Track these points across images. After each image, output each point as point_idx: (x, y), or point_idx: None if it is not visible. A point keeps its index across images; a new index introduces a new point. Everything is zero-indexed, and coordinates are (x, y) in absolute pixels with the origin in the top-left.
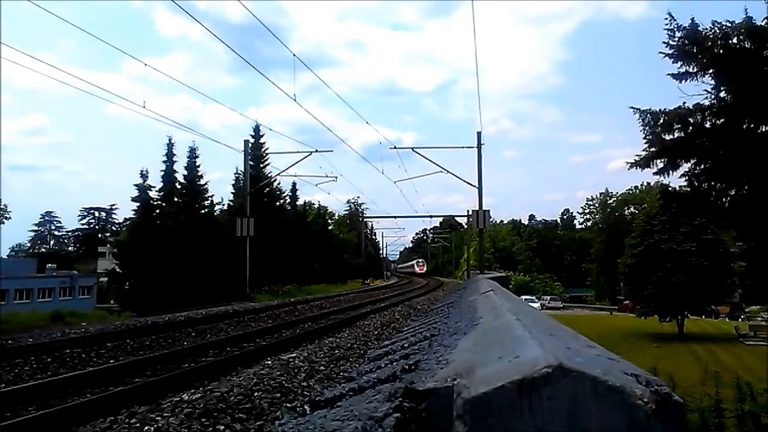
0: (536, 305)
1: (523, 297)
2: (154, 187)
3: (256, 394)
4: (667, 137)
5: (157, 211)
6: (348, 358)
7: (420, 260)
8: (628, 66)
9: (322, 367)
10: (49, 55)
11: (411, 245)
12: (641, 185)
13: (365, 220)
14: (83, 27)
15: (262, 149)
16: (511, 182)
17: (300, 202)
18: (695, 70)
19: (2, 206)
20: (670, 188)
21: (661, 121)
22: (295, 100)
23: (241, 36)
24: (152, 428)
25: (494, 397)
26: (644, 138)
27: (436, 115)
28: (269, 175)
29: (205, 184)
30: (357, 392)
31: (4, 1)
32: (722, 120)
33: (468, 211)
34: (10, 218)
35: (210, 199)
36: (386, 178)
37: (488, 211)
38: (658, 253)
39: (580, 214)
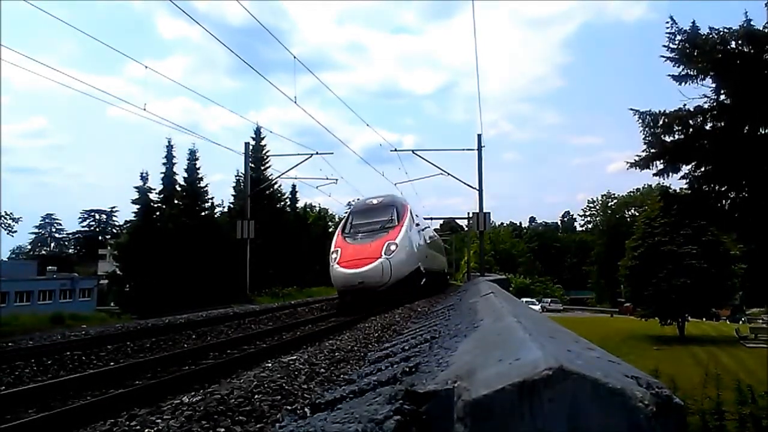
0: (537, 308)
1: (524, 299)
2: (155, 189)
3: (256, 396)
4: (668, 139)
5: (158, 213)
6: (348, 361)
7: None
8: (628, 68)
9: (322, 370)
10: (50, 58)
11: None
12: (642, 187)
13: None
14: (84, 29)
15: (263, 151)
16: (511, 184)
17: (300, 204)
18: (695, 73)
19: (8, 214)
20: (670, 190)
21: (661, 122)
22: (295, 102)
23: (241, 38)
24: (152, 430)
25: (495, 400)
26: (644, 139)
27: (436, 118)
28: (270, 177)
29: (206, 186)
30: (357, 395)
31: (5, 2)
32: (722, 123)
33: (468, 213)
34: (17, 231)
35: (210, 201)
36: (387, 180)
37: (489, 213)
38: (658, 255)
39: (581, 216)
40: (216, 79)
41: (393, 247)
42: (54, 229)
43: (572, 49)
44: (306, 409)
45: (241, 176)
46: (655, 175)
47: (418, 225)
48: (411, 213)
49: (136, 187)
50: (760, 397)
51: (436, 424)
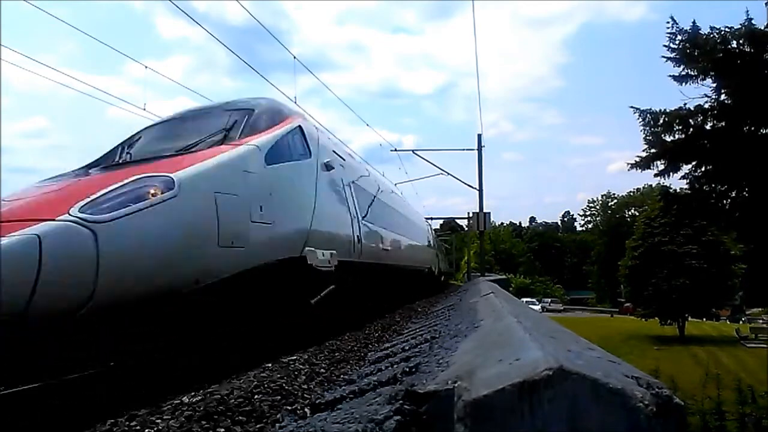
0: (537, 308)
1: (524, 299)
2: None
3: (256, 396)
4: (668, 138)
5: None
6: (348, 361)
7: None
8: (628, 69)
9: (322, 370)
10: (50, 58)
11: None
12: (642, 187)
13: None
14: (84, 29)
15: None
16: (511, 184)
17: None
18: (696, 73)
19: None
20: (670, 190)
21: (662, 121)
22: (295, 102)
23: (241, 38)
24: (153, 430)
25: (495, 400)
26: (644, 138)
27: (436, 118)
28: None
29: None
30: (357, 395)
31: (5, 2)
32: (723, 122)
33: (468, 213)
34: None
35: None
36: (387, 180)
37: (489, 213)
38: (658, 255)
39: (581, 216)
40: (216, 79)
41: (149, 191)
42: None
43: (572, 49)
44: (306, 409)
45: None
46: (655, 175)
47: (331, 168)
48: (304, 130)
49: None
50: (760, 397)
51: (436, 424)
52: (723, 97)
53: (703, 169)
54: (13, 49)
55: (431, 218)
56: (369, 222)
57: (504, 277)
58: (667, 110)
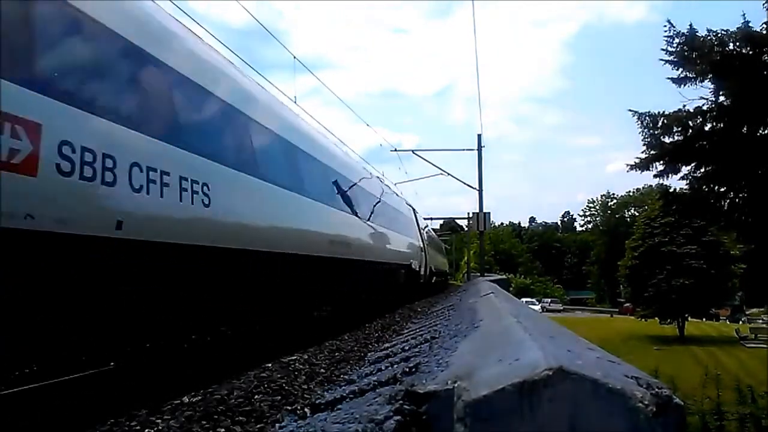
0: (537, 308)
1: (524, 299)
2: None
3: (256, 396)
4: (667, 140)
5: None
6: (348, 361)
7: None
8: (629, 69)
9: (322, 370)
10: None
11: None
12: (642, 187)
13: None
14: None
15: None
16: (511, 184)
17: None
18: (694, 75)
19: None
20: (670, 190)
21: (660, 123)
22: (295, 102)
23: (240, 39)
24: (153, 430)
25: (495, 400)
26: (643, 140)
27: (436, 118)
28: None
29: None
30: (357, 395)
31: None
32: (722, 124)
33: (468, 213)
34: None
35: None
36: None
37: (489, 213)
38: (658, 255)
39: (581, 216)
40: None
41: None
42: None
43: (574, 49)
44: (306, 409)
45: None
46: (655, 176)
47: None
48: None
49: None
50: (760, 397)
51: (436, 424)
52: (721, 98)
53: (702, 170)
54: None
55: (431, 218)
56: None
57: (504, 277)
58: (666, 112)
